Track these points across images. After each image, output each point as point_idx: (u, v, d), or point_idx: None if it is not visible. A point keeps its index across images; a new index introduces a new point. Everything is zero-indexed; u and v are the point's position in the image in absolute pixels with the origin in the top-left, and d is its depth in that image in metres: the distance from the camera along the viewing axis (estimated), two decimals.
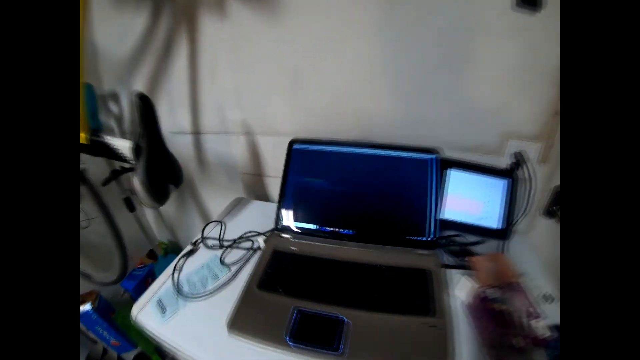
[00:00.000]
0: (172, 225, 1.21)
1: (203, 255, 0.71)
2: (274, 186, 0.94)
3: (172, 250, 1.22)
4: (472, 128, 0.68)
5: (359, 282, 0.60)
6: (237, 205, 0.89)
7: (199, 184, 1.05)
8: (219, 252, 0.71)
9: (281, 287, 0.59)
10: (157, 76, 0.85)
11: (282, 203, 0.72)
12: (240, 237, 0.74)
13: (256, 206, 0.89)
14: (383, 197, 0.69)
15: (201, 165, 0.98)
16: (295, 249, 0.68)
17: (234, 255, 0.70)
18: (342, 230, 0.69)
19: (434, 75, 0.65)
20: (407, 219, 0.67)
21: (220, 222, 0.81)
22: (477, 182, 0.69)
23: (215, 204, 1.03)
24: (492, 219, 0.69)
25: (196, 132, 0.92)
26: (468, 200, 0.69)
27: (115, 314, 0.94)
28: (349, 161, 0.71)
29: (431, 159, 0.67)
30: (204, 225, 0.79)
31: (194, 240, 0.75)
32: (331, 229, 0.70)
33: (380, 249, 0.66)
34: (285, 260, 0.65)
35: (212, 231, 0.79)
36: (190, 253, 0.72)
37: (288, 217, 0.72)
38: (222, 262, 0.69)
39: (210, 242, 0.75)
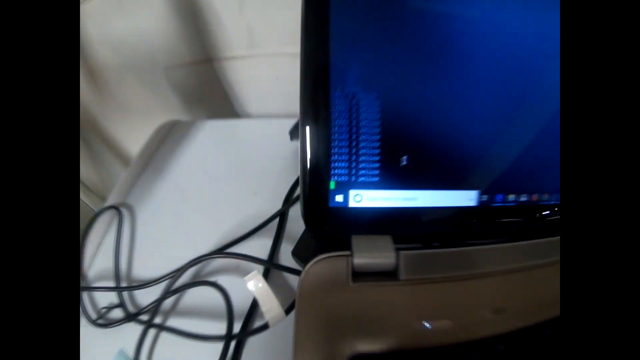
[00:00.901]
0: (103, 193, 0.72)
1: (99, 348, 0.22)
2: (247, 81, 0.40)
3: None
4: None
5: None
6: (163, 143, 0.36)
7: (97, 112, 0.50)
8: (133, 338, 0.22)
9: None
10: None
11: (329, 139, 0.16)
12: (172, 277, 0.24)
13: (211, 139, 0.36)
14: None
15: (90, 74, 0.43)
16: (443, 323, 0.13)
17: (178, 346, 0.21)
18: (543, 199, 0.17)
19: None
20: None
21: (116, 208, 0.29)
22: None
23: (131, 138, 0.54)
24: None
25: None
26: None
27: None
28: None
29: None
30: (79, 245, 0.28)
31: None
32: (523, 196, 0.17)
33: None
34: None
35: (103, 251, 0.27)
36: None
37: (360, 188, 0.15)
38: None
39: (103, 298, 0.24)
